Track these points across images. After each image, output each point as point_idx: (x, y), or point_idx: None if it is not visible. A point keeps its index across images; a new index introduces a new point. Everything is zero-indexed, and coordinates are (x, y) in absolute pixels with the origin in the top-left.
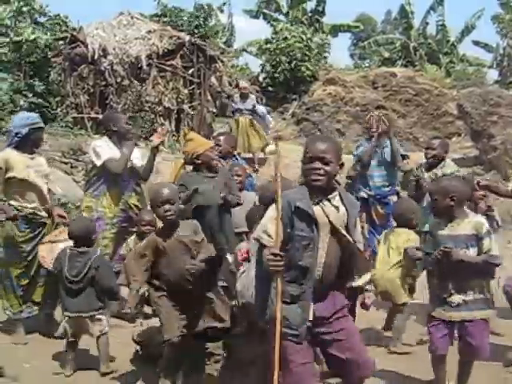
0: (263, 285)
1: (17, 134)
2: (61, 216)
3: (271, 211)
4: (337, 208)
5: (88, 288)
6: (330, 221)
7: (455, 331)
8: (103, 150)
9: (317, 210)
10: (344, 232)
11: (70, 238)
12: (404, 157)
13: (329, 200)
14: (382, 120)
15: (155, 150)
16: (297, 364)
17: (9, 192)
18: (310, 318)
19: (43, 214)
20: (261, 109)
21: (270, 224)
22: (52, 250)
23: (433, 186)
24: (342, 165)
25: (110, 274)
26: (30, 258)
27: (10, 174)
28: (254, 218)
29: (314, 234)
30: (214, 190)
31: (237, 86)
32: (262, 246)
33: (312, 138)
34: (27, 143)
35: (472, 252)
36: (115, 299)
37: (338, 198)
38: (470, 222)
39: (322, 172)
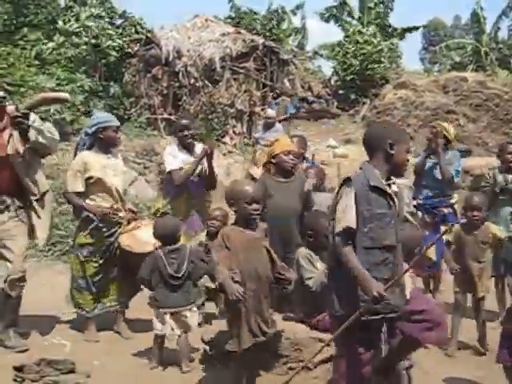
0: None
1: (87, 133)
2: (131, 211)
3: (345, 202)
4: (395, 193)
5: (187, 281)
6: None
7: None
8: (172, 157)
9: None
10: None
11: (156, 238)
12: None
13: (389, 185)
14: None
15: (210, 157)
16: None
17: (87, 192)
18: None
19: (120, 214)
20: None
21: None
22: (134, 236)
23: None
24: None
25: (203, 267)
26: (105, 256)
27: (87, 175)
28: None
29: (392, 210)
30: (286, 197)
31: (309, 88)
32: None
33: (401, 129)
34: (99, 143)
35: None
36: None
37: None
38: None
39: None
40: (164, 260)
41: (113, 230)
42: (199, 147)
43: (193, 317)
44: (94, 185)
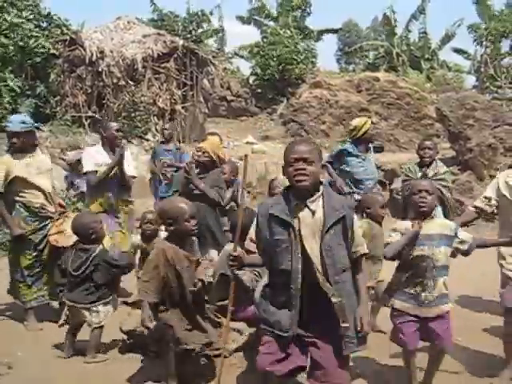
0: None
1: (8, 136)
2: (61, 205)
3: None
4: (313, 212)
5: (86, 282)
6: (299, 225)
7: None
8: (90, 159)
9: (293, 213)
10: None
11: (73, 233)
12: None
13: (305, 205)
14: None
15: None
16: (262, 352)
17: (16, 191)
18: (296, 320)
19: (50, 208)
20: None
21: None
22: (61, 230)
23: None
24: (323, 166)
25: (108, 272)
26: (38, 248)
27: (12, 175)
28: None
29: (291, 237)
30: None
31: (228, 88)
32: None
33: (293, 141)
34: (21, 144)
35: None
36: (114, 292)
37: (318, 201)
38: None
39: (306, 172)
40: (71, 256)
41: (43, 224)
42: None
43: (92, 317)
44: (20, 184)
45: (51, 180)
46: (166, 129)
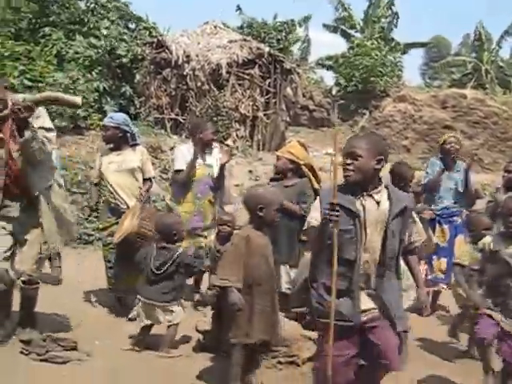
0: (316, 280)
1: None
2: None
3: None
4: (378, 203)
5: (165, 281)
6: (365, 215)
7: None
8: (180, 158)
9: (358, 204)
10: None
11: (156, 232)
12: None
13: (370, 195)
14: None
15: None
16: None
17: (106, 184)
18: (362, 308)
19: (123, 206)
20: None
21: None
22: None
23: None
24: (380, 160)
25: (187, 273)
26: (113, 244)
27: (100, 169)
28: None
29: (357, 227)
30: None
31: (311, 97)
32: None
33: (349, 138)
34: (107, 139)
35: None
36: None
37: (383, 193)
38: None
39: (351, 167)
40: (153, 254)
41: (117, 220)
42: (216, 151)
43: (166, 315)
44: (102, 179)
45: (133, 179)
46: None
